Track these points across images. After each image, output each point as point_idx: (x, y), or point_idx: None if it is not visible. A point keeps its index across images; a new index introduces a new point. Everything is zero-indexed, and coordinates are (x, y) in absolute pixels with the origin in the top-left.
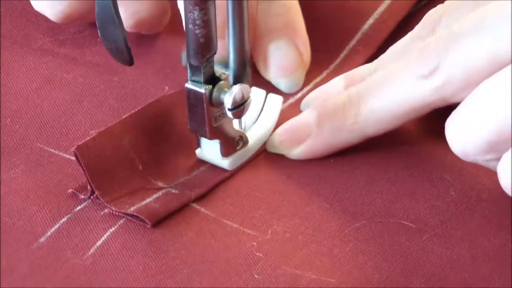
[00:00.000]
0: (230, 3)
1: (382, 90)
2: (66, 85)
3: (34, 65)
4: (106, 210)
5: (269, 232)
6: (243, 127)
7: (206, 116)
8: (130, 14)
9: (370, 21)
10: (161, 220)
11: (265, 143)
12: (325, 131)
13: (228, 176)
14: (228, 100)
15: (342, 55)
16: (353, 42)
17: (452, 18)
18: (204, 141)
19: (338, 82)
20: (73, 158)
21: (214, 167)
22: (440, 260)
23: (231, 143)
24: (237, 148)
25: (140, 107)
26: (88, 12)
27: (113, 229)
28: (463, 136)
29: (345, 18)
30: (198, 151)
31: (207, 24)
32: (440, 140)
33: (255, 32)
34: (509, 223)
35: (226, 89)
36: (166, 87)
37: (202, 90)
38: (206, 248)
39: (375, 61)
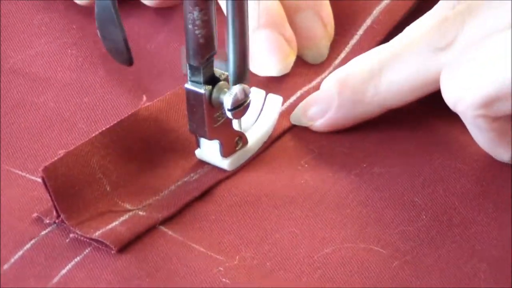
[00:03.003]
0: (230, 3)
1: (400, 62)
2: (36, 110)
3: (5, 89)
4: (71, 235)
5: (237, 258)
6: (242, 127)
7: (205, 117)
8: None
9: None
10: (127, 244)
11: (264, 143)
12: (346, 103)
13: (197, 196)
14: (227, 100)
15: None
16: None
17: None
18: (203, 141)
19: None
20: (40, 180)
21: (183, 187)
22: None
23: (230, 143)
24: (237, 148)
25: (109, 125)
26: None
27: (78, 258)
28: (459, 86)
29: None
30: (197, 152)
31: (206, 24)
32: (410, 161)
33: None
34: (480, 250)
35: (225, 89)
36: (144, 97)
37: (202, 91)
38: (171, 273)
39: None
